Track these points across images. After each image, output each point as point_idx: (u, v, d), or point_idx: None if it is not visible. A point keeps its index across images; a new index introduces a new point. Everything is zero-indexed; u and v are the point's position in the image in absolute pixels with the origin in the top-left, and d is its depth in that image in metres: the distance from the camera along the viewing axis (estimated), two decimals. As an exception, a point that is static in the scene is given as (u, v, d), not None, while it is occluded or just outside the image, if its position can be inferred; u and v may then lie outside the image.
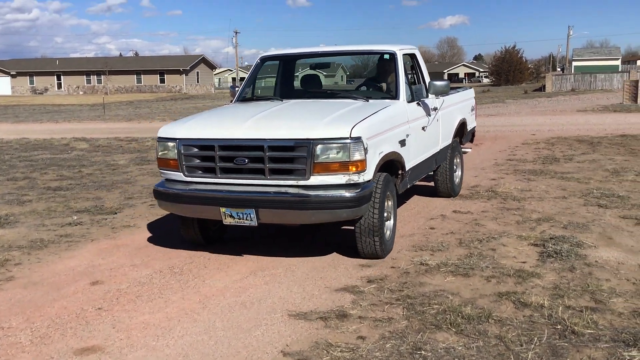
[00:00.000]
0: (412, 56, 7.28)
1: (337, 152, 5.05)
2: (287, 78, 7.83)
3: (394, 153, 5.79)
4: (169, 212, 6.64)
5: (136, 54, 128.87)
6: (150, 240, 6.67)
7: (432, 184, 8.40)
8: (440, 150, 7.64)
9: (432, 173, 7.95)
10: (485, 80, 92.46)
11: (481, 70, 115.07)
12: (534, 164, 11.35)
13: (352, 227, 5.55)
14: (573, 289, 4.71)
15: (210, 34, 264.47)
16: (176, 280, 5.26)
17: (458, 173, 8.57)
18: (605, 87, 45.05)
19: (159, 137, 5.76)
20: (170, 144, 5.60)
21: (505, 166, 11.19)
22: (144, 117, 30.43)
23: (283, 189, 5.17)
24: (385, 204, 5.63)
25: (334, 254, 5.89)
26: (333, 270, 5.41)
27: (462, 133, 8.83)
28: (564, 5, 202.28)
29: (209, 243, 6.22)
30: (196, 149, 5.50)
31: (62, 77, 78.90)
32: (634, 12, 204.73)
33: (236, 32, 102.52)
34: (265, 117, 5.66)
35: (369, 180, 5.28)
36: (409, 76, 7.10)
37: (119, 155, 14.54)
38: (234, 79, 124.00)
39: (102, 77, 76.65)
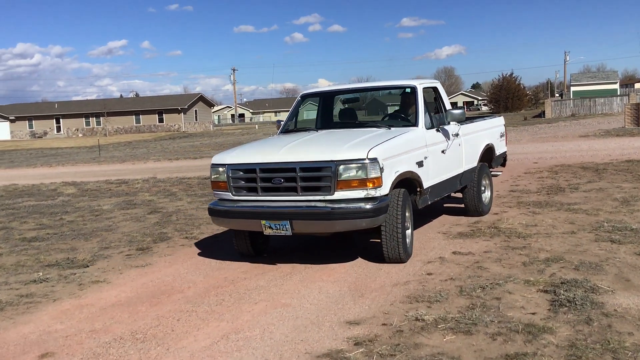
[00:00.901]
0: (435, 89, 8.27)
1: (357, 171, 6.02)
2: (323, 111, 9.00)
3: (410, 172, 6.73)
4: (150, 263, 7.26)
5: (136, 94, 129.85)
6: (118, 298, 6.04)
7: (462, 205, 9.04)
8: (465, 172, 8.43)
9: (458, 194, 8.79)
10: (484, 108, 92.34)
11: (479, 98, 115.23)
12: (538, 194, 10.74)
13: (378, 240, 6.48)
14: (592, 348, 4.06)
15: (210, 72, 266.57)
16: (136, 350, 4.60)
17: (487, 194, 9.24)
18: (606, 111, 44.65)
19: (212, 164, 6.88)
20: (221, 169, 6.72)
21: (507, 198, 10.57)
22: (140, 158, 29.97)
23: (312, 203, 6.16)
24: (406, 215, 6.54)
25: (320, 306, 5.25)
26: (316, 331, 4.76)
27: (491, 157, 9.54)
28: (559, 31, 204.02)
29: (257, 254, 7.26)
30: (241, 172, 6.58)
31: (61, 120, 78.97)
32: (628, 36, 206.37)
33: (234, 70, 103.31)
34: (299, 144, 6.75)
35: (386, 195, 6.20)
36: (431, 106, 8.00)
37: (105, 199, 13.96)
38: (232, 115, 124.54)
39: (101, 118, 76.68)
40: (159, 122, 76.42)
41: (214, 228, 9.37)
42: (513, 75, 71.09)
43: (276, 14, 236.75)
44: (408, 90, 8.02)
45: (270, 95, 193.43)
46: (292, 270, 6.62)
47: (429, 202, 7.37)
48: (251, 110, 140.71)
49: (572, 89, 77.13)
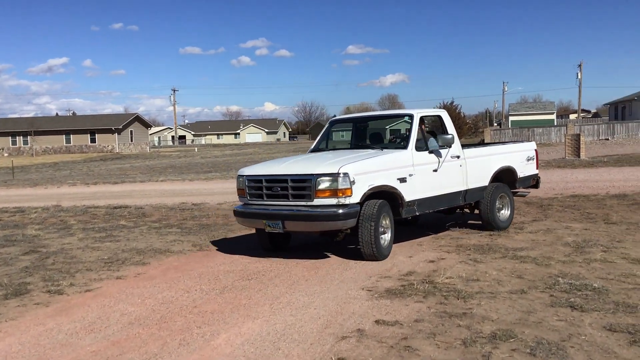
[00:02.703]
0: (439, 117, 9.61)
1: (330, 183, 7.47)
2: (335, 135, 10.61)
3: (387, 186, 7.99)
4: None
5: (73, 113, 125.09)
6: None
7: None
8: (470, 189, 9.51)
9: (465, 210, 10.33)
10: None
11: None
12: (480, 236, 9.44)
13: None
14: None
15: (154, 92, 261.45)
16: None
17: (505, 212, 10.08)
18: (544, 140, 44.74)
19: (238, 175, 8.58)
20: (241, 179, 8.43)
21: (446, 240, 9.22)
22: (56, 181, 27.58)
23: (298, 208, 7.68)
24: (382, 221, 7.86)
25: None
26: None
27: (513, 179, 10.41)
28: (498, 61, 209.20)
29: (276, 250, 8.82)
30: (254, 182, 8.22)
31: (-15, 139, 74.36)
32: (563, 68, 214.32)
33: (174, 90, 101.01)
34: (296, 161, 8.55)
35: (357, 203, 7.57)
36: (436, 132, 9.45)
37: (-15, 233, 11.88)
38: (173, 137, 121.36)
39: (29, 137, 72.62)
40: (91, 142, 72.77)
41: (91, 277, 7.63)
42: (453, 104, 71.47)
43: (223, 36, 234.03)
44: (407, 118, 9.21)
45: (211, 117, 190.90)
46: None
47: (417, 213, 8.60)
48: (193, 132, 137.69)
49: (511, 118, 78.30)
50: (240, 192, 8.52)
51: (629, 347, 4.47)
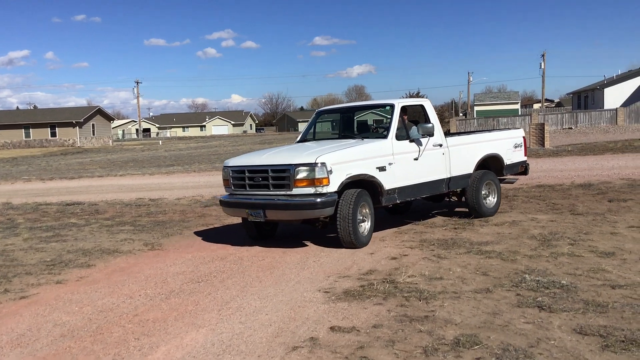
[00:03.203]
0: (422, 106, 9.73)
1: (307, 173, 7.62)
2: (320, 125, 10.63)
3: (366, 175, 8.08)
4: None
5: (34, 106, 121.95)
6: None
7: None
8: (454, 177, 9.62)
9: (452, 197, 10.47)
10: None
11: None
12: (444, 229, 9.11)
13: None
14: None
15: (118, 85, 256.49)
16: None
17: (491, 199, 10.20)
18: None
19: (224, 166, 8.74)
20: (226, 170, 8.63)
21: (409, 234, 8.87)
22: (10, 177, 26.55)
23: (278, 197, 7.86)
24: (361, 210, 8.01)
25: None
26: None
27: (500, 166, 10.50)
28: (464, 53, 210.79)
29: (263, 238, 8.95)
30: (237, 173, 8.42)
31: (-61, 134, 71.72)
32: (527, 59, 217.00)
33: (137, 82, 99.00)
34: (277, 152, 8.67)
35: (334, 192, 7.69)
36: (419, 121, 9.69)
37: None
38: (137, 130, 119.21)
39: (-15, 132, 70.33)
40: (52, 136, 70.70)
41: (29, 282, 7.06)
42: (420, 94, 71.68)
43: (189, 28, 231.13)
44: (388, 107, 9.29)
45: (177, 110, 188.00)
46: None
47: (398, 201, 8.73)
48: (157, 125, 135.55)
49: (476, 108, 78.77)
50: (225, 182, 8.73)
51: (601, 352, 4.14)
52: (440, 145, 9.39)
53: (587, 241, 7.74)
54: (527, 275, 6.13)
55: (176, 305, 5.84)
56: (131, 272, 7.40)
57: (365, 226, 8.17)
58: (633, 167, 16.24)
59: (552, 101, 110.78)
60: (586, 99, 61.59)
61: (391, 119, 8.91)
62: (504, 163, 10.54)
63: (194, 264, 7.66)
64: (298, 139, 10.26)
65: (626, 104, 51.71)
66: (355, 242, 7.87)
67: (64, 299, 6.35)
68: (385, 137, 8.73)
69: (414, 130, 9.15)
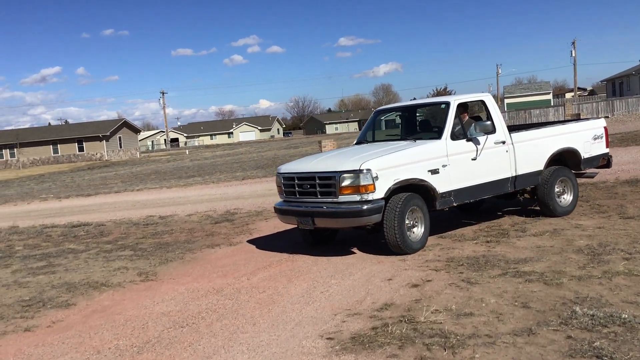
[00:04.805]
0: (482, 102, 9.12)
1: (352, 180, 7.47)
2: (375, 127, 10.02)
3: (417, 179, 7.81)
4: None
5: (65, 121, 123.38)
6: None
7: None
8: (520, 175, 8.98)
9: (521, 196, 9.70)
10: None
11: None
12: (475, 243, 7.97)
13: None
14: None
15: (148, 96, 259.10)
16: None
17: (567, 197, 9.52)
18: (542, 121, 43.23)
19: (277, 172, 8.71)
20: (279, 177, 8.59)
21: (435, 251, 7.75)
22: (29, 197, 26.06)
23: (325, 205, 7.75)
24: (410, 214, 7.76)
25: None
26: None
27: (577, 160, 9.73)
28: (491, 44, 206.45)
29: (322, 244, 8.87)
30: (287, 180, 8.40)
31: (-29, 153, 72.54)
32: (556, 47, 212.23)
33: (163, 93, 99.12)
34: (326, 157, 8.56)
35: (381, 198, 7.48)
36: (481, 117, 9.18)
37: None
38: (165, 140, 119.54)
39: (15, 150, 70.91)
40: (79, 151, 70.95)
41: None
42: (447, 90, 70.15)
43: (214, 36, 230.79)
44: (443, 105, 8.80)
45: (206, 118, 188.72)
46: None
47: (455, 204, 8.30)
48: (185, 135, 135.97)
49: (506, 101, 76.63)
50: (279, 189, 8.68)
51: None
52: (503, 142, 8.83)
53: (645, 254, 6.52)
54: (577, 307, 4.97)
55: (148, 363, 4.83)
56: (111, 314, 6.42)
57: (417, 231, 7.88)
58: (683, 158, 14.75)
59: (584, 89, 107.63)
60: (621, 86, 59.19)
61: (446, 117, 8.44)
62: (581, 157, 9.77)
63: (184, 301, 6.64)
64: (356, 140, 9.90)
65: (664, 88, 49.37)
66: (404, 247, 7.60)
67: (24, 354, 5.40)
68: (438, 137, 8.30)
69: (472, 129, 8.64)
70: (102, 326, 6.00)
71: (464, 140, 8.39)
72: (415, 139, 8.58)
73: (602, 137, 10.06)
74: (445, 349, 4.42)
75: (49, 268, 9.27)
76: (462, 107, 8.78)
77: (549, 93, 78.15)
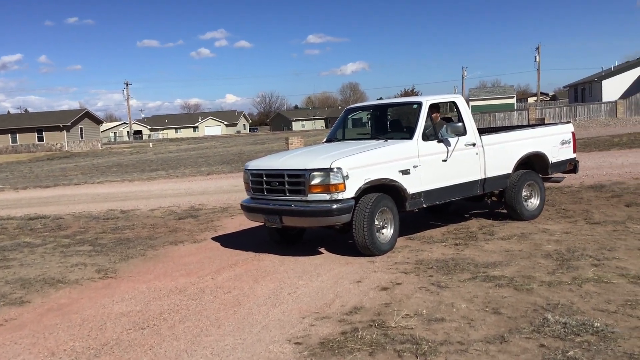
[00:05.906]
0: (454, 103, 9.05)
1: (322, 179, 7.29)
2: (343, 125, 9.89)
3: (386, 179, 7.68)
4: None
5: (26, 110, 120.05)
6: None
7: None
8: (489, 178, 8.92)
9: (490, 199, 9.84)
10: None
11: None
12: (444, 246, 7.89)
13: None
14: None
15: (112, 87, 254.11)
16: None
17: (533, 201, 9.49)
18: (506, 124, 43.77)
19: (245, 169, 8.51)
20: (246, 173, 8.40)
21: (403, 253, 7.65)
22: (-15, 187, 25.17)
23: (293, 203, 7.58)
24: (380, 215, 7.61)
25: None
26: None
27: (544, 164, 9.73)
28: (457, 48, 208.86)
29: (289, 243, 8.69)
30: (255, 177, 8.18)
31: None
32: (520, 52, 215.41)
33: (127, 84, 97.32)
34: (295, 155, 8.43)
35: (351, 198, 7.33)
36: (436, 120, 8.74)
37: None
38: (128, 132, 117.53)
39: (-30, 138, 68.68)
40: (39, 140, 69.05)
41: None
42: (414, 91, 70.59)
43: (181, 28, 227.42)
44: (415, 105, 8.72)
45: (171, 111, 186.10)
46: None
47: (424, 205, 8.21)
48: (149, 127, 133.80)
49: (472, 103, 77.37)
50: (246, 185, 8.51)
51: None
52: (474, 145, 8.77)
53: (612, 260, 6.55)
54: (549, 315, 4.90)
55: (106, 367, 4.58)
56: (68, 313, 6.13)
57: (386, 232, 7.76)
58: (645, 165, 15.02)
59: (546, 94, 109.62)
60: (583, 92, 60.40)
61: (418, 118, 8.32)
62: (549, 161, 9.80)
63: (144, 300, 6.38)
64: (325, 138, 9.76)
65: (625, 95, 50.50)
66: (373, 249, 7.47)
67: (-28, 355, 5.09)
68: (410, 137, 8.18)
69: (444, 130, 8.58)
70: (58, 326, 5.72)
71: (435, 141, 8.30)
72: (386, 139, 8.46)
73: (569, 142, 10.13)
74: (417, 356, 4.29)
75: (3, 262, 8.88)
76: (434, 108, 8.71)
77: (512, 97, 79.30)
